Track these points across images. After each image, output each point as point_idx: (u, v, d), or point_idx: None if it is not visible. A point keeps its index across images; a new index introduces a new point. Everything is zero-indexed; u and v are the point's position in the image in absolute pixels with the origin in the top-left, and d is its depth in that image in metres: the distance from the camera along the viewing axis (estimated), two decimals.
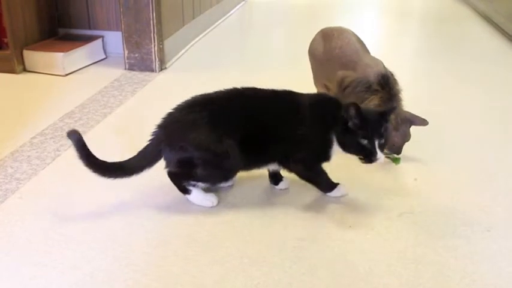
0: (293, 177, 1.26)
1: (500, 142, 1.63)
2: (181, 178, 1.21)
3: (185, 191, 1.22)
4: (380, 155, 1.16)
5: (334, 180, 1.26)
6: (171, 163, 1.19)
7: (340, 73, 1.53)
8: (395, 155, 1.45)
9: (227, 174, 1.22)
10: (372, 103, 1.42)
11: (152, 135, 1.20)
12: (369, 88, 1.44)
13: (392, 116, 1.38)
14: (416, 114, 1.44)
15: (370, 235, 1.13)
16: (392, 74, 1.49)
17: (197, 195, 1.22)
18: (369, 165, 1.19)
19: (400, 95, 1.46)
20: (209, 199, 1.23)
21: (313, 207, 1.24)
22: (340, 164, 1.45)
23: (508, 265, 1.05)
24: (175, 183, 1.22)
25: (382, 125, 1.18)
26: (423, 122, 1.44)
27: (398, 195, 1.30)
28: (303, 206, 1.24)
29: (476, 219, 1.20)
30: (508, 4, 2.98)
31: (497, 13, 3.22)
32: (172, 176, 1.21)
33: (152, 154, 1.19)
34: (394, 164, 1.45)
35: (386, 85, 1.43)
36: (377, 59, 1.52)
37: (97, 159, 1.16)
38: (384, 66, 1.49)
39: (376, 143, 1.16)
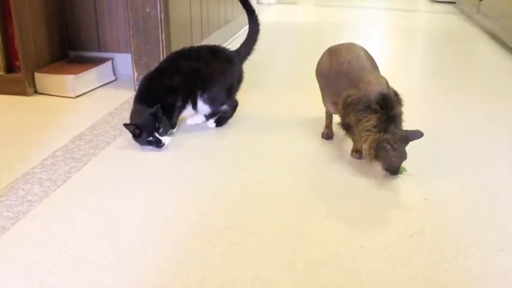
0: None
1: (511, 159, 1.62)
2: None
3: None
4: (164, 139, 1.61)
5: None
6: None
7: (345, 92, 1.53)
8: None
9: None
10: (369, 123, 1.42)
11: None
12: (368, 107, 1.44)
13: (389, 136, 1.38)
14: (425, 131, 1.44)
15: (382, 256, 1.13)
16: (396, 94, 1.50)
17: None
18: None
19: (401, 116, 1.46)
20: None
21: (323, 228, 1.23)
22: (349, 184, 1.45)
23: None
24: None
25: (155, 123, 1.60)
26: (418, 135, 1.43)
27: (409, 215, 1.30)
28: (313, 227, 1.24)
29: (488, 239, 1.19)
30: None
31: (503, 30, 3.23)
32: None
33: None
34: (401, 175, 1.47)
35: (385, 105, 1.43)
36: (381, 77, 1.52)
37: None
38: (387, 85, 1.49)
39: (156, 134, 1.60)
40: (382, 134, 1.40)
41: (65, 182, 1.43)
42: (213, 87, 1.74)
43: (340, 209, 1.32)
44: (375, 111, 1.43)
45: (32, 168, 1.50)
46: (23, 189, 1.38)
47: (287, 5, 5.04)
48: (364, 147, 1.46)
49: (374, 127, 1.41)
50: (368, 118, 1.43)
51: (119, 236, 1.19)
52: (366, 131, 1.42)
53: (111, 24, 2.38)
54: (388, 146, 1.40)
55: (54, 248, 1.13)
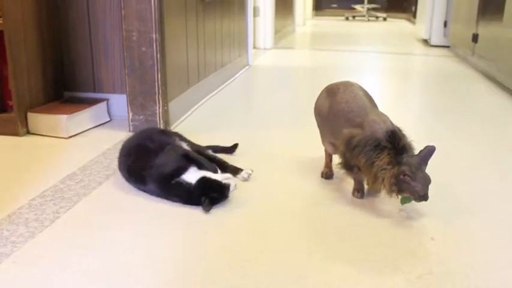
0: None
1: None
2: None
3: None
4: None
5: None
6: None
7: (346, 131, 1.49)
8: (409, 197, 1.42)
9: None
10: (382, 161, 1.38)
11: None
12: (377, 146, 1.40)
13: (404, 167, 1.34)
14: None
15: None
16: (399, 129, 1.46)
17: None
18: None
19: (410, 146, 1.42)
20: None
21: (325, 271, 1.16)
22: (352, 224, 1.39)
23: None
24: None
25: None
26: (431, 151, 1.39)
27: (416, 255, 1.23)
28: (314, 270, 1.16)
29: (498, 281, 1.12)
30: (511, 62, 3.00)
31: (500, 72, 3.24)
32: None
33: None
34: (408, 203, 1.43)
35: (394, 140, 1.39)
36: (384, 115, 1.49)
37: None
38: (391, 122, 1.46)
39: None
40: (397, 167, 1.36)
41: (53, 222, 1.36)
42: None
43: (342, 251, 1.25)
44: (384, 148, 1.39)
45: (19, 209, 1.43)
46: (8, 230, 1.31)
47: (283, 49, 5.09)
48: (384, 186, 1.40)
49: (388, 164, 1.37)
50: (381, 158, 1.39)
51: (109, 280, 1.11)
52: (381, 170, 1.38)
53: (107, 65, 2.36)
54: (407, 178, 1.35)
55: None
